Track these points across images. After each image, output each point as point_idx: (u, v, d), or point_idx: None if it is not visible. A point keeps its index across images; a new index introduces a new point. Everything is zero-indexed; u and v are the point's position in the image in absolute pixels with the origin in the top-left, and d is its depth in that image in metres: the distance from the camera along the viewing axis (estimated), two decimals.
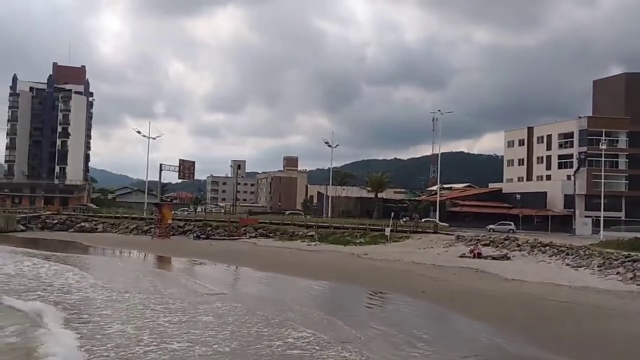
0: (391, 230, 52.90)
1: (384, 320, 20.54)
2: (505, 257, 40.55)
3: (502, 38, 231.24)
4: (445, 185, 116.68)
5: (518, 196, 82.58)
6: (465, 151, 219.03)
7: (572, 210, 75.29)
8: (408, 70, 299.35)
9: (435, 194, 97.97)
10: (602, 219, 62.04)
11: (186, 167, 79.97)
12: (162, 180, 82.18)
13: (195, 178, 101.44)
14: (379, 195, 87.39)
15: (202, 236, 57.33)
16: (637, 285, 27.96)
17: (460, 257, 41.20)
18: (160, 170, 76.22)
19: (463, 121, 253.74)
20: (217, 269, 38.41)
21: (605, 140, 67.69)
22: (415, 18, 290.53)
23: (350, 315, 21.67)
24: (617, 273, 30.98)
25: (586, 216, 72.72)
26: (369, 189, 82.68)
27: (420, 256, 41.69)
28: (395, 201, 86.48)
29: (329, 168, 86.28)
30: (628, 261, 32.59)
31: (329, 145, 78.36)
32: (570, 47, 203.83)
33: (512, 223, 69.83)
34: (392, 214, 55.88)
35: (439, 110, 76.50)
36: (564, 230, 70.99)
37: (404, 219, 62.78)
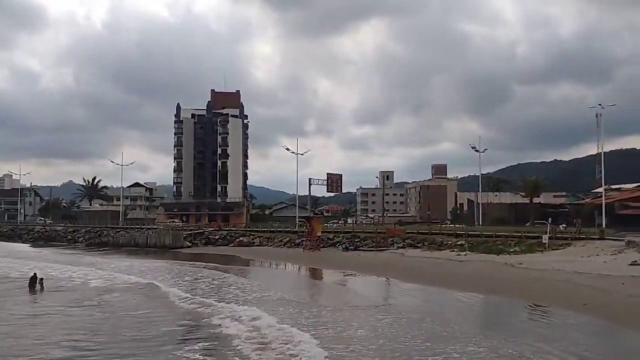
0: (549, 238, 49.25)
1: (540, 336, 18.95)
2: None
3: None
4: (613, 186, 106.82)
5: None
6: (638, 148, 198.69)
7: None
8: (564, 66, 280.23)
9: (601, 196, 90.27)
10: None
11: (334, 181, 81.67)
12: (314, 194, 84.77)
13: (346, 190, 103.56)
14: (536, 200, 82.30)
15: (350, 247, 57.92)
16: None
17: (631, 264, 37.09)
18: (310, 184, 78.68)
19: (633, 115, 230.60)
20: (364, 280, 38.45)
21: None
22: (571, 10, 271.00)
23: (503, 330, 20.33)
24: None
25: None
26: (523, 194, 78.13)
27: (583, 265, 38.18)
28: (554, 206, 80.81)
29: (475, 174, 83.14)
30: None
31: (476, 150, 75.56)
32: None
33: None
34: (550, 219, 51.99)
35: (599, 105, 70.02)
36: None
37: (563, 225, 58.18)
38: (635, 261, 37.77)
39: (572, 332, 19.88)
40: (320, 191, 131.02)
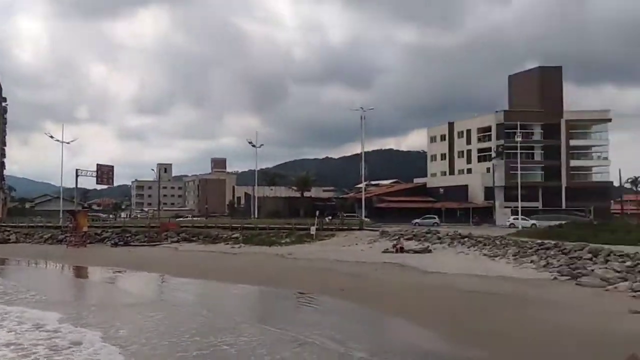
0: (317, 229, 52.60)
1: (302, 322, 19.92)
2: (427, 250, 41.05)
3: (424, 38, 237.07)
4: (373, 182, 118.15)
5: (441, 190, 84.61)
6: (395, 148, 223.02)
7: (492, 201, 77.97)
8: (335, 70, 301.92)
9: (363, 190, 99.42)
10: (519, 209, 64.44)
11: (104, 172, 76.67)
12: (85, 187, 78.66)
13: (122, 183, 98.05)
14: (308, 194, 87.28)
15: (120, 243, 54.96)
16: (550, 272, 28.68)
17: (384, 252, 41.36)
18: (77, 176, 72.77)
19: (391, 119, 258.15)
20: (135, 276, 36.66)
21: (520, 132, 70.24)
22: (339, 18, 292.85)
23: (272, 318, 20.96)
24: (531, 261, 31.79)
25: (505, 207, 75.46)
26: (295, 188, 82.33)
27: (345, 254, 41.53)
28: (323, 199, 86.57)
29: (254, 168, 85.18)
30: (541, 249, 33.57)
31: (253, 145, 77.43)
32: (489, 46, 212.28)
33: (436, 217, 71.48)
34: (317, 212, 55.59)
35: (361, 108, 77.22)
36: (486, 221, 73.35)
37: (328, 217, 62.66)
38: (387, 249, 42.22)
39: (329, 316, 21.29)
40: (93, 183, 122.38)
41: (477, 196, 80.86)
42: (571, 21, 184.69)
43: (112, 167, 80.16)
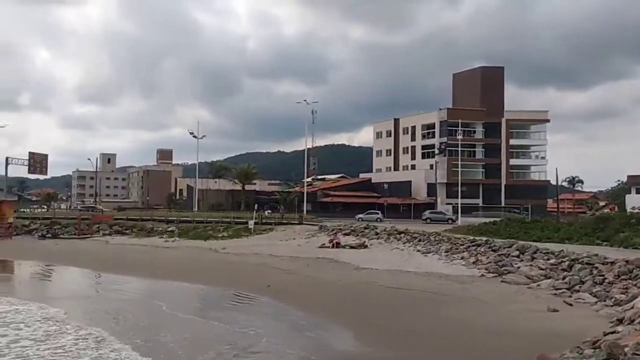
0: (255, 223, 51.65)
1: (221, 319, 19.06)
2: (363, 246, 40.77)
3: (376, 36, 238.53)
4: (319, 177, 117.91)
5: (386, 185, 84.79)
6: (347, 143, 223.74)
7: (434, 198, 78.70)
8: (288, 65, 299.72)
9: (310, 185, 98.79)
10: (459, 206, 65.16)
11: (37, 161, 73.23)
12: (23, 176, 74.85)
13: (66, 173, 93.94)
14: (254, 187, 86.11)
15: (47, 235, 52.57)
16: (479, 269, 28.68)
17: (320, 247, 40.81)
18: (7, 164, 69.25)
19: (344, 115, 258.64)
20: (60, 271, 34.92)
21: (461, 131, 71.02)
22: (293, 13, 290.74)
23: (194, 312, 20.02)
24: (462, 258, 31.82)
25: (447, 203, 76.16)
26: (236, 181, 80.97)
27: (280, 248, 40.82)
28: (267, 193, 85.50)
29: (206, 161, 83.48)
30: (472, 246, 33.71)
31: (195, 136, 75.49)
32: (438, 46, 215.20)
33: (379, 212, 71.57)
34: (256, 205, 54.62)
35: (304, 100, 76.65)
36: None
37: (268, 211, 61.80)
38: (324, 244, 41.66)
39: (247, 314, 20.51)
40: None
41: (420, 192, 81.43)
42: (517, 25, 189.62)
43: (46, 155, 76.69)
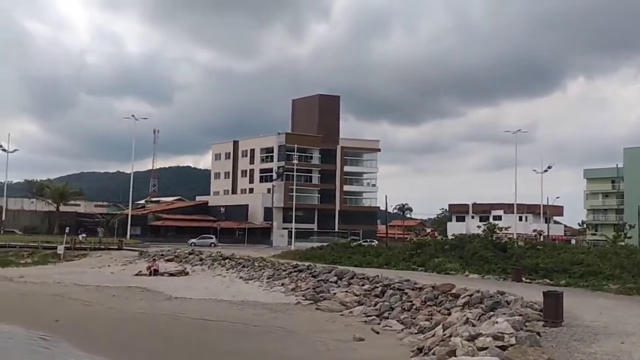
0: (67, 248, 46.49)
1: None
2: (184, 273, 38.21)
3: (223, 61, 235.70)
4: (153, 199, 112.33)
5: (222, 209, 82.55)
6: (192, 166, 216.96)
7: (270, 222, 77.99)
8: (131, 83, 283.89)
9: (143, 207, 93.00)
10: (293, 230, 65.15)
11: None
12: None
13: None
14: (76, 209, 79.11)
15: None
16: (296, 296, 27.61)
17: (136, 275, 37.51)
18: None
19: (189, 137, 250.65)
20: None
21: (296, 155, 71.33)
22: (138, 31, 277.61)
23: None
24: (282, 284, 30.63)
25: (283, 228, 75.91)
26: (49, 201, 73.41)
27: (89, 276, 36.76)
28: (91, 215, 78.85)
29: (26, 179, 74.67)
30: (295, 271, 32.77)
31: (4, 150, 67.29)
32: (282, 75, 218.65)
33: (213, 237, 69.39)
34: (67, 229, 49.33)
35: (132, 116, 72.51)
36: (263, 242, 72.95)
37: (83, 235, 56.51)
38: (141, 271, 38.36)
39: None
40: None
41: (257, 216, 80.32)
42: (357, 62, 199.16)
43: None
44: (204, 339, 19.16)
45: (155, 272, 37.65)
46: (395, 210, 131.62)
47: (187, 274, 38.00)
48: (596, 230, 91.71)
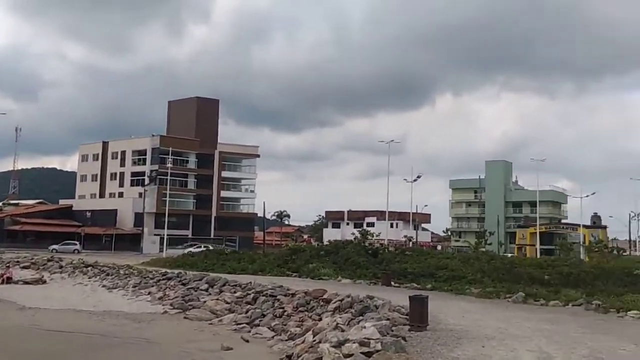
0: None
1: None
2: (41, 281, 35.12)
3: (96, 59, 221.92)
4: (12, 201, 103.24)
5: (88, 214, 77.68)
6: (58, 167, 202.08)
7: (141, 228, 74.48)
8: None
9: (0, 210, 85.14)
10: (165, 237, 62.61)
11: None
12: None
13: None
14: None
15: None
16: (163, 305, 26.17)
17: None
18: None
19: (57, 136, 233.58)
20: None
21: (171, 159, 68.85)
22: (3, 23, 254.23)
23: None
24: (149, 293, 28.99)
25: (155, 234, 72.80)
26: None
27: None
28: None
29: None
30: (163, 279, 31.23)
31: None
32: (160, 77, 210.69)
33: (77, 242, 65.32)
34: None
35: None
36: (133, 249, 69.47)
37: None
38: None
39: None
40: None
41: (127, 222, 76.40)
42: (238, 68, 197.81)
43: None
44: (54, 352, 17.38)
45: (9, 280, 34.27)
46: (274, 217, 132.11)
47: (44, 282, 35.03)
48: (460, 237, 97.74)
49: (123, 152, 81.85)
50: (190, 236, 76.48)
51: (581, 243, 58.70)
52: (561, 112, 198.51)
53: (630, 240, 74.89)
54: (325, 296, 21.25)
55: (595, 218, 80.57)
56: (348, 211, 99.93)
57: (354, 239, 40.43)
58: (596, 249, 46.64)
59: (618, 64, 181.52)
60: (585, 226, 67.56)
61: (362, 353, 8.77)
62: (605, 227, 73.32)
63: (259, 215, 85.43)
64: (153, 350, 17.72)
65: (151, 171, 76.19)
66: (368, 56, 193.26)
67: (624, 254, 54.07)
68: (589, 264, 33.54)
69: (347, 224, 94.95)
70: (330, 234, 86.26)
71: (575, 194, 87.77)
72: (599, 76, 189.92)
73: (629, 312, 18.13)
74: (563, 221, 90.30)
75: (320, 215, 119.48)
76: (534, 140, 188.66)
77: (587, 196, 72.49)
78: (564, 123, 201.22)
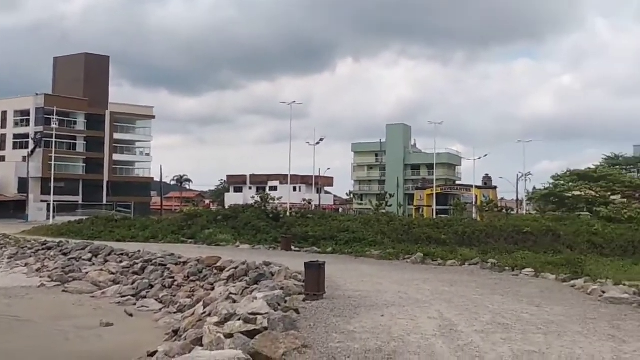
0: None
1: None
2: None
3: None
4: None
5: None
6: None
7: (26, 194, 68.89)
8: None
9: None
10: (52, 203, 58.53)
11: None
12: None
13: None
14: None
15: None
16: (41, 277, 23.75)
17: None
18: None
19: None
20: None
21: (56, 120, 63.65)
22: None
23: None
24: (26, 265, 26.34)
25: (42, 201, 67.55)
26: None
27: None
28: None
29: None
30: (43, 249, 28.49)
31: None
32: (48, 34, 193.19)
33: None
34: None
35: None
36: (17, 217, 64.17)
37: None
38: None
39: None
40: None
41: (9, 188, 70.32)
42: (133, 26, 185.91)
43: None
44: None
45: None
46: (174, 182, 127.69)
47: None
48: (362, 200, 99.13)
49: (4, 113, 74.67)
50: (80, 202, 71.81)
51: (473, 203, 60.86)
52: (454, 79, 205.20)
53: (517, 200, 78.90)
54: (218, 264, 19.93)
55: (487, 179, 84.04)
56: (250, 175, 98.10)
57: (255, 203, 39.09)
58: (487, 209, 48.29)
59: (505, 33, 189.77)
60: (477, 187, 70.17)
61: (245, 333, 7.60)
62: (495, 188, 76.66)
63: (156, 180, 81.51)
64: (23, 330, 15.75)
65: (35, 133, 70.18)
66: (271, 18, 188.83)
67: (512, 212, 56.72)
68: (482, 223, 34.35)
69: (250, 188, 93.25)
70: (232, 199, 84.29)
71: (468, 156, 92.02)
72: (488, 45, 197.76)
73: (523, 270, 18.29)
74: (457, 182, 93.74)
75: (222, 180, 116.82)
76: (430, 106, 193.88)
77: (479, 158, 76.05)
78: (457, 90, 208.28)
